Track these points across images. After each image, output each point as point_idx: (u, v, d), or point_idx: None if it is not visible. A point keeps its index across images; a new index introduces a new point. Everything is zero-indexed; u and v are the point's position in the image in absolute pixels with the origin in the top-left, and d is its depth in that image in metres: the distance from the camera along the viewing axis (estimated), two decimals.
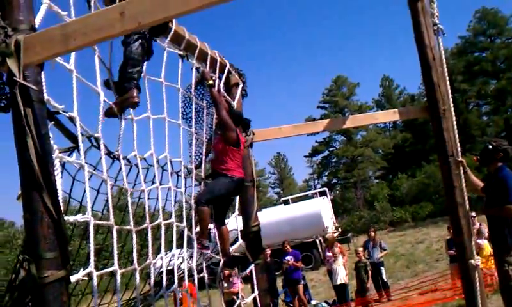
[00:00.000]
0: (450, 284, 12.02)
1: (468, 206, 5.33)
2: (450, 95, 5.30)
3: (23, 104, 2.51)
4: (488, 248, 11.56)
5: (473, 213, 5.33)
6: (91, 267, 3.24)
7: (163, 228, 4.49)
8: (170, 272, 4.86)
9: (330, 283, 13.24)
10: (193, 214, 5.20)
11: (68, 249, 2.61)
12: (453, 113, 5.31)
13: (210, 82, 5.03)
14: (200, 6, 2.37)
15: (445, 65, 5.30)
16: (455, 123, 5.38)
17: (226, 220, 5.57)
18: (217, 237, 5.53)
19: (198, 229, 5.19)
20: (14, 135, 2.58)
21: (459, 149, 5.39)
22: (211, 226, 5.65)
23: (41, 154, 2.54)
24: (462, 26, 51.79)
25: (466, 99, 40.81)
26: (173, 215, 4.74)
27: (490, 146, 5.56)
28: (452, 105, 5.29)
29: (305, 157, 55.51)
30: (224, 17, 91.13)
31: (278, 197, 54.40)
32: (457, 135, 5.37)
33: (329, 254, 13.45)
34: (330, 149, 52.16)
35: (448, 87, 5.31)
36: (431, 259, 17.83)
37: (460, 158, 5.37)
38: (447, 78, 5.31)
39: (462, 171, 5.36)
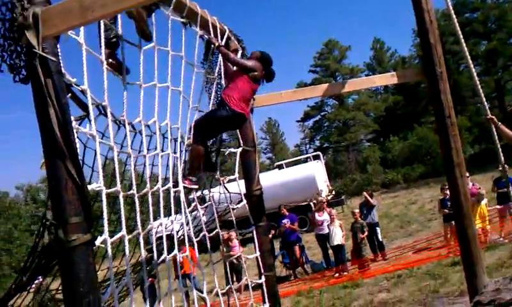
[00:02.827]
0: (444, 242, 12.35)
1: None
2: (467, 53, 5.56)
3: (43, 75, 2.59)
4: (484, 208, 11.87)
5: (467, 174, 5.50)
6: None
7: (161, 194, 4.51)
8: (169, 238, 4.90)
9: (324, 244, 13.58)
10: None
11: (91, 214, 2.73)
12: (474, 73, 5.50)
13: (217, 43, 5.10)
14: None
15: (457, 25, 5.45)
16: (478, 82, 5.66)
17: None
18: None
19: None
20: (35, 106, 2.66)
21: (487, 107, 5.54)
22: (206, 191, 5.68)
23: (62, 123, 2.64)
24: None
25: (457, 60, 40.69)
26: (171, 179, 4.77)
27: None
28: (472, 65, 5.40)
29: (297, 121, 55.67)
30: None
31: (270, 162, 54.59)
32: (482, 94, 5.60)
33: (319, 218, 13.71)
34: (322, 113, 52.22)
35: (465, 48, 5.55)
36: (424, 219, 18.22)
37: (490, 116, 5.49)
38: (463, 40, 5.47)
39: (494, 128, 5.50)
